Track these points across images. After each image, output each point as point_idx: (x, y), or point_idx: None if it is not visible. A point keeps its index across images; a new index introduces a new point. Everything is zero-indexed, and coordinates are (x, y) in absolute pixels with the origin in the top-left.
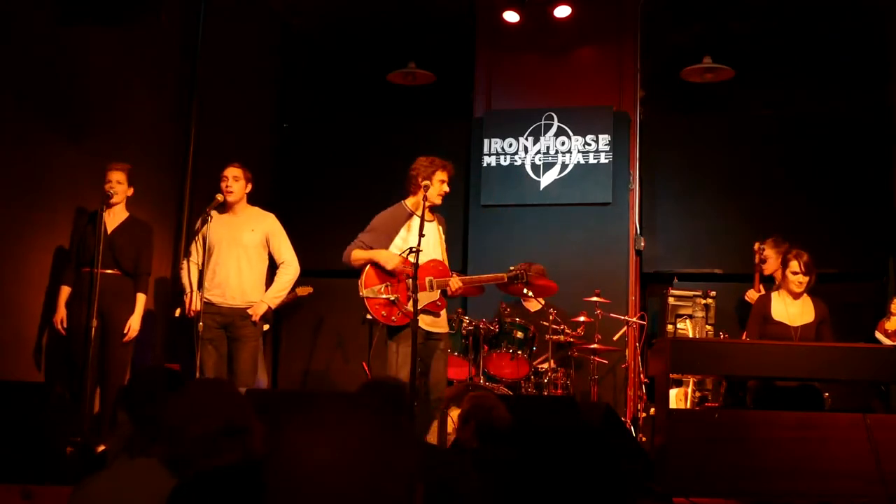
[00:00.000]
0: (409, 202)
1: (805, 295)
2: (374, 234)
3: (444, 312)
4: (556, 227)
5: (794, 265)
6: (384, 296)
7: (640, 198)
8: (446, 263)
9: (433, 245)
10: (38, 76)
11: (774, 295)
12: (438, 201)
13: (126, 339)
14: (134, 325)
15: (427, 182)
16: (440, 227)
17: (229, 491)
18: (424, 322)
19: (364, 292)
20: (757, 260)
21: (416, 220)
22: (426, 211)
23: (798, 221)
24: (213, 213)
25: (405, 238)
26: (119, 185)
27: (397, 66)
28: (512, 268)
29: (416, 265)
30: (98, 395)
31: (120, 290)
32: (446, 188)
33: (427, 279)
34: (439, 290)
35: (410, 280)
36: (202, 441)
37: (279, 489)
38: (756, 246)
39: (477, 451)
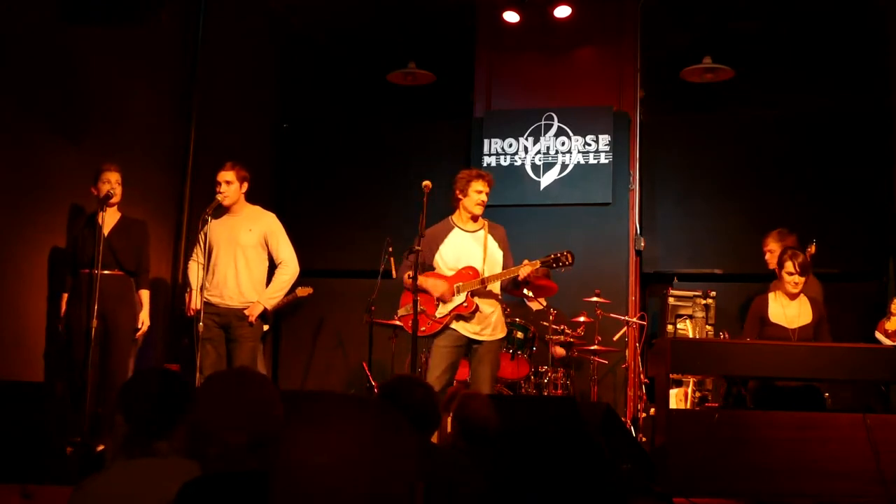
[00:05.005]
0: (454, 216)
1: (802, 295)
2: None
3: (495, 319)
4: (556, 228)
5: (788, 266)
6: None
7: (640, 198)
8: (497, 270)
9: (471, 254)
10: (39, 76)
11: (771, 296)
12: (476, 210)
13: (139, 334)
14: (146, 320)
15: (461, 194)
16: (490, 235)
17: (237, 490)
18: (462, 327)
19: (400, 312)
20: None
21: (456, 232)
22: (471, 221)
23: (798, 221)
24: (213, 213)
25: (444, 250)
26: (119, 185)
27: (397, 66)
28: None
29: (415, 265)
30: (100, 396)
31: (121, 290)
32: (483, 197)
33: (455, 285)
34: (465, 293)
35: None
36: (224, 454)
37: (283, 488)
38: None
39: (462, 451)
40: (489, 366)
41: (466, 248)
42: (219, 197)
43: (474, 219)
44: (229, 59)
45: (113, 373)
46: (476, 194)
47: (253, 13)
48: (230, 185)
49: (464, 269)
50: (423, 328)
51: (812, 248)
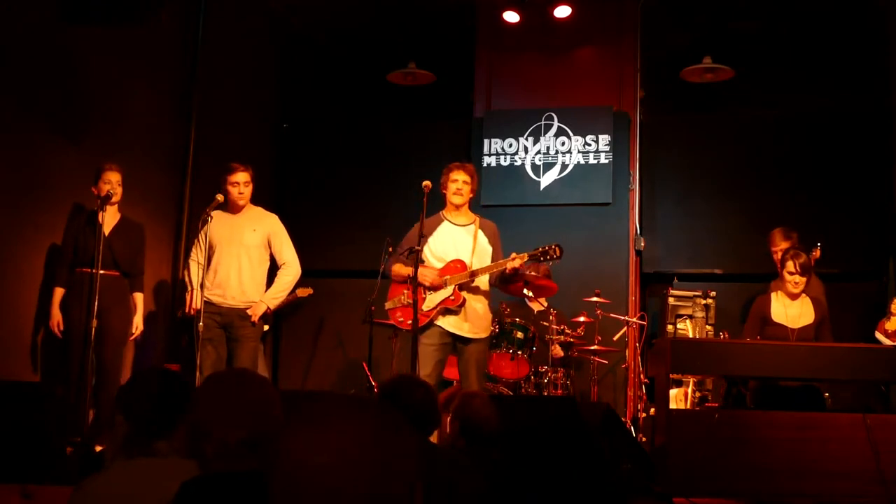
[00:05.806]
0: (444, 210)
1: (804, 295)
2: (406, 241)
3: (482, 314)
4: (556, 228)
5: (790, 266)
6: (404, 302)
7: (640, 198)
8: (485, 264)
9: (460, 247)
10: (39, 76)
11: (773, 296)
12: (455, 200)
13: (132, 338)
14: (140, 324)
15: (443, 188)
16: (481, 230)
17: (236, 490)
18: (448, 323)
19: (388, 305)
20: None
21: (445, 225)
22: (459, 214)
23: (798, 221)
24: (214, 213)
25: (433, 242)
26: (119, 186)
27: (397, 66)
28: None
29: (416, 264)
30: (95, 395)
31: (117, 291)
32: (458, 186)
33: (444, 278)
34: (452, 286)
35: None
36: (223, 453)
37: (283, 488)
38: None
39: (463, 450)
40: (475, 366)
41: (456, 240)
42: (219, 196)
43: (458, 208)
44: (229, 59)
45: (107, 372)
46: (452, 183)
47: (253, 13)
48: (248, 185)
49: (452, 262)
50: (410, 321)
51: (817, 252)
